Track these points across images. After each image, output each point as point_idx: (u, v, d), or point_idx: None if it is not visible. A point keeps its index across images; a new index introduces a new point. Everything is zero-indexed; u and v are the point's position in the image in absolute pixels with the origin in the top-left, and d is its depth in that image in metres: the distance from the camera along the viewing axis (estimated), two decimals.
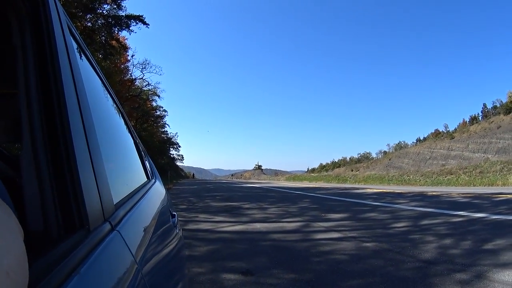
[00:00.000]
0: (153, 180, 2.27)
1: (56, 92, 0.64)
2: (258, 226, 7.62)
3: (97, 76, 1.35)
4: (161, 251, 1.22)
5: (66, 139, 0.63)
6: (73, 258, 0.52)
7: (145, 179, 2.06)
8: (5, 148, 1.40)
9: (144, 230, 1.11)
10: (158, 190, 2.16)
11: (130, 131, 2.20)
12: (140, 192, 1.44)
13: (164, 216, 1.67)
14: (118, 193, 1.05)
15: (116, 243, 0.73)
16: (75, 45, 0.95)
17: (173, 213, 2.01)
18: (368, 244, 5.55)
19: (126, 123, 2.12)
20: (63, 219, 0.58)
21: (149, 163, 2.58)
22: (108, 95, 1.61)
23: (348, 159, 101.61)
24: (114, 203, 0.88)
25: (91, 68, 1.25)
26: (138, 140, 2.50)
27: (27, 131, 0.59)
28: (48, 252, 0.49)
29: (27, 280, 0.37)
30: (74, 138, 0.65)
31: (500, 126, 54.06)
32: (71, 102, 0.68)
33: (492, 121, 59.16)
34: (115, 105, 1.80)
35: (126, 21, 25.62)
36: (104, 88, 1.51)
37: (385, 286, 3.52)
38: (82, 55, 1.10)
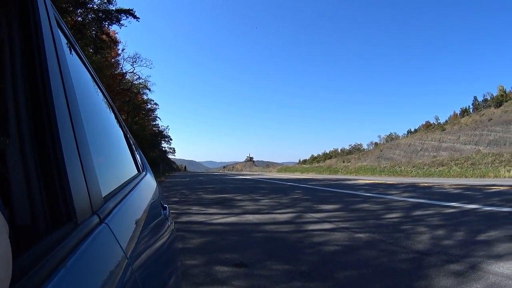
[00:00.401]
0: (144, 173, 2.27)
1: (42, 86, 0.64)
2: (251, 217, 7.63)
3: (86, 70, 1.34)
4: (152, 244, 1.21)
5: (53, 133, 0.63)
6: (59, 251, 0.52)
7: (135, 171, 2.05)
8: None
9: (135, 223, 1.10)
10: (149, 183, 2.16)
11: (120, 125, 2.18)
12: (130, 184, 1.44)
13: (155, 208, 1.67)
14: (107, 186, 1.05)
15: (104, 236, 0.73)
16: (63, 38, 0.95)
17: (164, 205, 2.00)
18: (361, 235, 5.59)
19: (116, 117, 2.11)
20: (50, 213, 0.58)
21: (139, 156, 2.57)
22: (98, 89, 1.60)
23: (339, 150, 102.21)
24: (103, 196, 0.88)
25: (80, 62, 1.24)
26: (128, 134, 2.49)
27: (14, 125, 0.58)
28: (33, 246, 0.48)
29: (10, 276, 0.37)
30: (61, 132, 0.64)
31: (491, 119, 54.78)
32: (58, 96, 0.68)
33: (483, 114, 59.91)
34: (105, 99, 1.79)
35: (117, 15, 25.59)
36: (94, 82, 1.50)
37: (379, 277, 3.54)
38: (71, 48, 1.10)
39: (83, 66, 1.29)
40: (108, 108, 1.91)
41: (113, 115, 2.01)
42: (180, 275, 2.06)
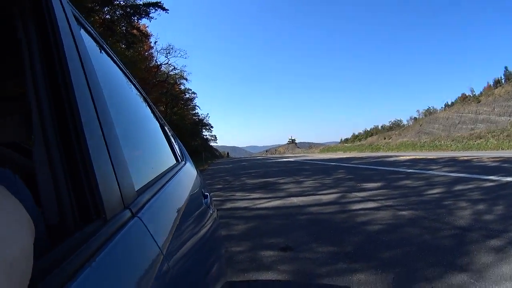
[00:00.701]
0: (183, 162, 2.28)
1: (64, 83, 0.63)
2: (295, 200, 7.63)
3: (114, 65, 1.35)
4: (194, 234, 1.21)
5: (77, 130, 0.62)
6: (87, 248, 0.51)
7: (173, 162, 2.06)
8: (28, 144, 1.41)
9: (175, 213, 1.10)
10: (189, 172, 2.17)
11: (156, 117, 2.20)
12: (167, 175, 1.43)
13: (195, 197, 1.67)
14: (142, 179, 1.05)
15: (136, 230, 0.72)
16: (84, 34, 0.94)
17: (205, 193, 2.01)
18: (404, 213, 5.53)
19: (152, 110, 2.13)
20: (78, 211, 0.57)
21: (178, 146, 2.59)
22: (130, 83, 1.61)
23: (380, 127, 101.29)
24: (137, 189, 0.87)
25: (107, 57, 1.25)
26: (166, 125, 2.51)
27: (37, 125, 0.58)
28: (57, 244, 0.48)
29: (30, 272, 0.37)
30: (86, 128, 0.64)
31: None
32: (80, 92, 0.67)
33: None
34: (138, 93, 1.80)
35: (145, 9, 25.95)
36: (125, 77, 1.50)
37: (422, 255, 3.49)
38: (96, 45, 1.09)
39: (110, 61, 1.29)
40: (143, 101, 1.92)
41: (148, 109, 2.03)
42: (225, 262, 2.07)
